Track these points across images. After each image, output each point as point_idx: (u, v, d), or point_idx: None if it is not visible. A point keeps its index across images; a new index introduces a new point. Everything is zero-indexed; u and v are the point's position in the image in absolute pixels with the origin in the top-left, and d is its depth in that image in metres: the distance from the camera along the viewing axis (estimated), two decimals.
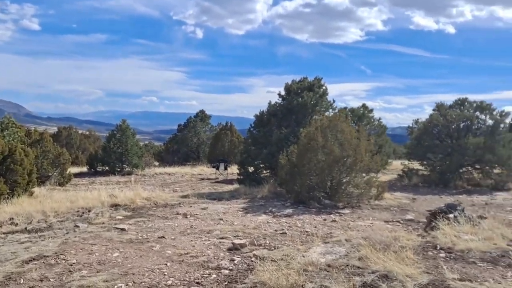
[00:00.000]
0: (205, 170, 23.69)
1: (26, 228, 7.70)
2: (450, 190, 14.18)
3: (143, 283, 4.81)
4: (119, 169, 21.90)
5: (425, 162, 16.54)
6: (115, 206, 9.76)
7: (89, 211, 9.02)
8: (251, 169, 14.18)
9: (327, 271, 5.07)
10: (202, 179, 19.78)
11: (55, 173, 15.96)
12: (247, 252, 6.14)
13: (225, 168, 20.20)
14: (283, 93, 14.19)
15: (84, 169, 23.16)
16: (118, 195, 10.91)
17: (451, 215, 7.33)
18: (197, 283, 4.86)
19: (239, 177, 14.40)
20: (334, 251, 6.08)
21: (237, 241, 6.47)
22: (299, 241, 6.75)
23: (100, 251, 6.15)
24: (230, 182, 17.65)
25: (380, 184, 10.99)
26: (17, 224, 8.06)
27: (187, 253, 6.07)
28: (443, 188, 14.59)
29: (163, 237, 7.04)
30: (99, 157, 22.25)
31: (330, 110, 13.81)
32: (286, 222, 8.48)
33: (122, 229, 7.50)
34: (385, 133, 27.38)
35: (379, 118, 27.03)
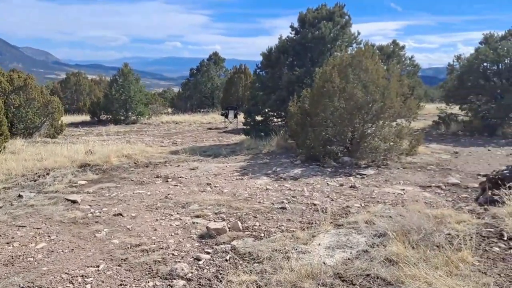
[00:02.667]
0: (216, 118, 21.80)
1: None
2: (498, 139, 11.79)
3: None
4: (123, 118, 20.30)
5: (465, 106, 13.99)
6: (85, 166, 8.05)
7: (48, 173, 7.35)
8: (258, 118, 12.13)
9: None
10: (210, 128, 17.95)
11: (45, 124, 14.42)
12: (224, 243, 4.31)
13: (235, 116, 18.22)
14: (296, 24, 11.69)
15: (88, 117, 21.69)
16: (97, 150, 9.20)
17: None
18: None
19: (245, 127, 12.41)
20: (349, 244, 4.15)
21: (213, 225, 4.62)
22: (302, 223, 4.85)
23: (23, 239, 4.46)
24: (239, 132, 15.76)
25: (414, 136, 8.79)
26: None
27: (139, 245, 4.29)
28: (488, 138, 12.19)
29: (120, 214, 5.27)
30: (101, 105, 20.62)
31: (354, 45, 11.30)
32: (290, 188, 6.56)
33: (74, 201, 5.79)
34: (417, 73, 24.50)
35: (412, 56, 24.04)
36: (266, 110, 12.06)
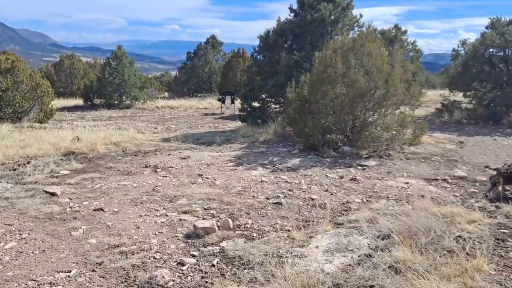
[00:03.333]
0: (213, 103, 21.27)
1: None
2: (503, 128, 11.35)
3: None
4: (117, 102, 19.75)
5: (470, 93, 13.50)
6: (70, 154, 7.60)
7: (29, 162, 6.90)
8: (255, 104, 11.65)
9: None
10: (206, 114, 17.46)
11: (34, 108, 13.91)
12: (212, 244, 3.91)
13: (232, 102, 17.70)
14: (295, 6, 11.11)
15: (81, 102, 21.13)
16: (85, 137, 8.74)
17: None
18: None
19: (241, 113, 11.94)
20: (350, 246, 3.75)
21: (201, 223, 4.21)
22: (298, 221, 4.45)
23: None
24: (235, 118, 15.28)
25: (418, 124, 8.35)
26: None
27: (117, 245, 3.88)
28: (493, 126, 11.76)
29: (101, 209, 4.86)
30: (94, 89, 20.05)
31: (356, 29, 10.76)
32: (287, 180, 6.15)
33: (52, 194, 5.36)
34: (419, 59, 23.92)
35: (414, 41, 23.42)
36: (263, 96, 11.57)
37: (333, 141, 8.34)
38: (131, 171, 6.71)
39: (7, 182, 5.89)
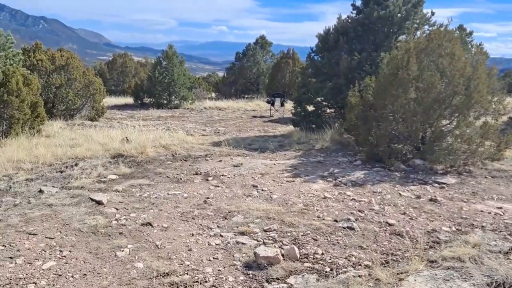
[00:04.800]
0: (261, 105, 20.72)
1: None
2: None
3: None
4: (166, 102, 19.68)
5: None
6: (118, 156, 7.24)
7: (77, 164, 6.59)
8: (310, 108, 10.90)
9: None
10: (255, 116, 16.91)
11: (86, 105, 13.97)
12: (278, 279, 3.25)
13: (282, 104, 17.02)
14: (358, 3, 10.25)
15: (131, 100, 21.29)
16: (134, 138, 8.41)
17: None
18: None
19: (294, 118, 11.22)
20: None
21: (263, 251, 3.56)
22: (378, 253, 3.69)
23: (30, 254, 3.62)
24: (286, 121, 14.61)
25: (503, 138, 7.26)
26: None
27: (168, 273, 3.32)
28: None
29: (150, 224, 4.34)
30: (144, 88, 20.11)
31: (426, 28, 9.72)
32: (354, 198, 5.37)
33: (98, 202, 4.93)
34: (485, 63, 22.05)
35: (480, 43, 21.61)
36: (319, 100, 10.79)
37: (401, 152, 7.45)
38: (181, 178, 6.20)
39: (53, 186, 5.56)
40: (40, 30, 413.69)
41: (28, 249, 3.71)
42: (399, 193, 5.64)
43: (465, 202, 5.32)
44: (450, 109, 7.12)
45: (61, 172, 6.22)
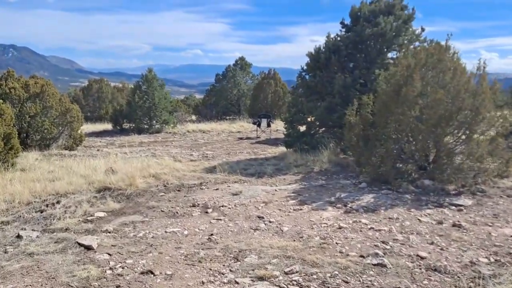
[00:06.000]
0: (245, 126, 20.28)
1: None
2: None
3: None
4: (147, 126, 19.00)
5: None
6: (104, 190, 6.58)
7: (58, 202, 5.89)
8: (302, 128, 10.50)
9: None
10: (241, 138, 16.42)
11: (63, 134, 13.17)
12: None
13: (268, 125, 16.63)
14: (347, 21, 10.04)
15: (109, 126, 20.48)
16: (119, 168, 7.76)
17: None
18: None
19: (286, 139, 10.79)
20: None
21: None
22: None
23: None
24: (274, 142, 14.20)
25: (511, 154, 7.00)
26: None
27: None
28: None
29: (151, 272, 3.72)
30: (124, 113, 19.39)
31: (417, 44, 9.58)
32: (372, 227, 4.90)
33: (88, 248, 4.28)
34: (486, 78, 22.46)
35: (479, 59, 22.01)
36: (311, 119, 10.42)
37: (407, 172, 7.08)
38: (177, 212, 5.60)
39: (33, 229, 4.86)
40: (10, 58, 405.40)
41: None
42: (418, 219, 5.21)
43: (490, 226, 4.93)
44: (457, 126, 6.83)
45: (41, 211, 5.51)
